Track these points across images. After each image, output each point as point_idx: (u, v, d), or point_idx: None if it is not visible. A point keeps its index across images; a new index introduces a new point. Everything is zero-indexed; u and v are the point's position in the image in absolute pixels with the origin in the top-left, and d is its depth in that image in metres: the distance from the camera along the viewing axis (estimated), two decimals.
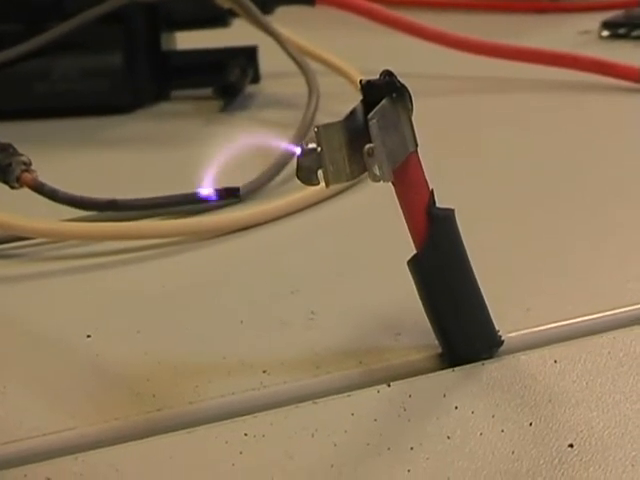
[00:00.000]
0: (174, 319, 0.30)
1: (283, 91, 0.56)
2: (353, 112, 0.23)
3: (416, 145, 0.24)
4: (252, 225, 0.36)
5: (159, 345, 0.28)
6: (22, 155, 0.33)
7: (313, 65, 0.52)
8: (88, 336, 0.28)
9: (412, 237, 0.24)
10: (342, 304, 0.30)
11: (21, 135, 0.50)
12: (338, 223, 0.37)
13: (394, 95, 0.23)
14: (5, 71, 0.52)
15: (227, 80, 0.53)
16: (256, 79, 0.56)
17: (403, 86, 0.23)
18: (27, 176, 0.33)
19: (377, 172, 0.23)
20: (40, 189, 0.33)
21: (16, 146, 0.36)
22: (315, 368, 0.26)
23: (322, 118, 0.47)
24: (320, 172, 0.23)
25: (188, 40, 0.57)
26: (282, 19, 0.55)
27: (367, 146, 0.22)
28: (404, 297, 0.26)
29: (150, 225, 0.35)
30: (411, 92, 0.24)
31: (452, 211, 0.25)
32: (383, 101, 0.23)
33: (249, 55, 0.56)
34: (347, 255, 0.34)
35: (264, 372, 0.26)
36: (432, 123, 0.33)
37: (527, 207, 0.37)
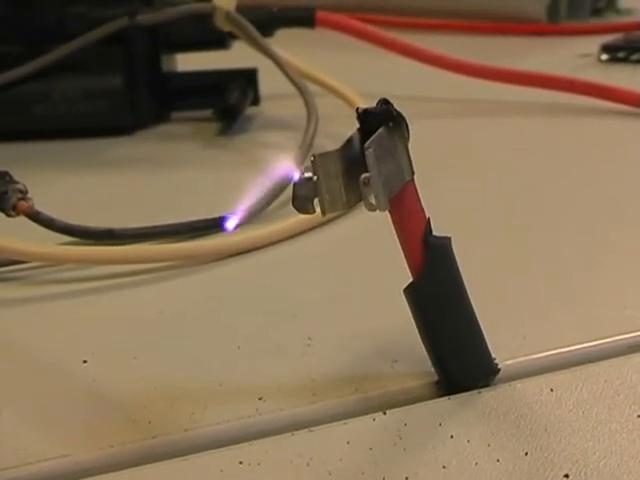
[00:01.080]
0: (170, 344, 0.29)
1: (283, 113, 0.56)
2: (350, 141, 0.23)
3: (412, 174, 0.24)
4: (249, 249, 0.36)
5: (155, 371, 0.28)
6: (18, 183, 0.33)
7: (312, 87, 0.52)
8: (84, 361, 0.28)
9: (408, 265, 0.24)
10: (339, 330, 0.30)
11: (21, 157, 0.50)
12: (336, 248, 0.37)
13: (391, 124, 0.23)
14: (5, 92, 0.52)
15: (227, 102, 0.54)
16: (256, 101, 0.56)
17: (400, 115, 0.23)
18: (23, 204, 0.33)
19: (373, 201, 0.23)
20: (36, 217, 0.33)
21: (15, 167, 0.36)
22: (311, 395, 0.26)
23: (321, 140, 0.47)
24: (316, 201, 0.23)
25: (188, 62, 0.58)
26: (282, 41, 0.55)
27: (363, 175, 0.22)
28: (401, 323, 0.26)
29: (147, 249, 0.35)
30: (408, 115, 0.24)
31: (448, 239, 0.25)
32: (380, 130, 0.23)
33: (249, 77, 0.56)
34: (344, 280, 0.34)
35: (260, 399, 0.26)
36: (427, 146, 0.33)
37: (524, 233, 0.37)
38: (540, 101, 0.55)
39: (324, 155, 0.23)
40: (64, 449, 0.24)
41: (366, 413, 0.25)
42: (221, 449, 0.24)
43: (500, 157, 0.48)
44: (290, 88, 0.51)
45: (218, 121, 0.54)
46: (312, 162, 0.23)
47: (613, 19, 0.85)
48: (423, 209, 0.24)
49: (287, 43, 0.55)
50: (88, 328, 0.31)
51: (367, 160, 0.22)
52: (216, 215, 0.37)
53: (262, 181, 0.38)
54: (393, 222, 0.24)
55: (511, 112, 0.55)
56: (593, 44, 0.68)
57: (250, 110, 0.56)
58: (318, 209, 0.23)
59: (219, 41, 0.55)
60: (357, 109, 0.23)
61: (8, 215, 0.33)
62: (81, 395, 0.27)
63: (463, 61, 0.57)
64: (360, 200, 0.23)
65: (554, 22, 0.81)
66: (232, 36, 0.54)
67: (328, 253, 0.36)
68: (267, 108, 0.57)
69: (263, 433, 0.24)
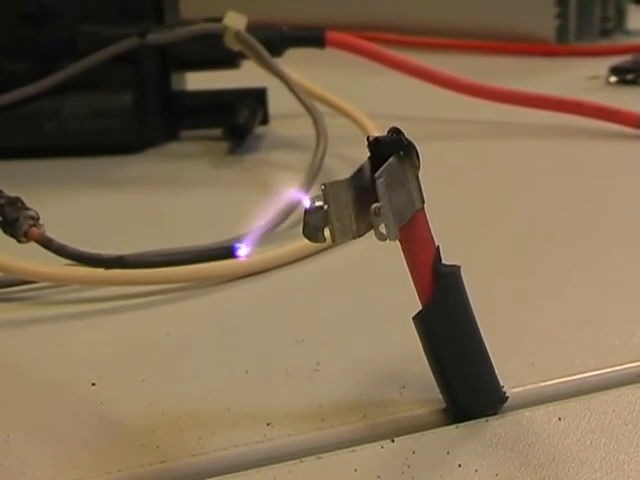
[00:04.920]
0: (179, 367, 0.29)
1: (292, 133, 0.56)
2: (360, 169, 0.23)
3: (423, 202, 0.24)
4: (257, 272, 0.36)
5: (164, 394, 0.28)
6: (30, 209, 0.33)
7: (321, 107, 0.52)
8: (93, 384, 0.28)
9: (418, 293, 0.24)
10: (348, 355, 0.30)
11: (30, 174, 0.51)
12: (345, 271, 0.37)
13: (401, 153, 0.23)
14: (16, 110, 0.52)
15: (236, 121, 0.54)
16: (265, 120, 0.57)
17: (410, 143, 0.23)
18: (35, 231, 0.33)
19: (384, 231, 0.23)
20: (48, 244, 0.33)
21: (24, 185, 0.36)
22: (320, 421, 0.26)
23: (330, 161, 0.47)
24: (326, 229, 0.23)
25: (198, 81, 0.58)
26: (292, 61, 0.55)
27: (374, 205, 0.22)
28: (409, 350, 0.26)
29: (155, 271, 0.35)
30: (415, 136, 0.24)
31: (458, 268, 0.25)
32: (390, 159, 0.23)
33: (258, 97, 0.56)
34: (353, 305, 0.34)
35: (268, 424, 0.26)
36: (435, 168, 0.33)
37: (531, 258, 0.37)
38: (548, 123, 0.55)
39: (334, 184, 0.23)
40: (72, 473, 0.24)
41: (374, 440, 0.25)
42: (229, 475, 0.24)
43: (506, 180, 0.48)
44: (299, 108, 0.51)
45: (227, 140, 0.54)
46: (323, 191, 0.23)
47: (622, 40, 0.85)
48: (433, 237, 0.24)
49: (297, 63, 0.55)
50: (96, 350, 0.31)
51: (378, 190, 0.22)
52: (226, 237, 0.37)
53: (271, 203, 0.38)
54: (403, 250, 0.24)
55: (518, 134, 0.55)
56: (602, 66, 0.68)
57: (259, 129, 0.56)
58: (328, 236, 0.23)
59: (229, 60, 0.55)
60: (368, 137, 0.23)
61: (19, 241, 0.33)
62: (89, 418, 0.27)
63: (470, 82, 0.57)
64: (370, 228, 0.23)
65: (563, 43, 0.81)
66: (242, 56, 0.54)
67: (337, 277, 0.36)
68: (276, 128, 0.57)
69: (271, 459, 0.24)
